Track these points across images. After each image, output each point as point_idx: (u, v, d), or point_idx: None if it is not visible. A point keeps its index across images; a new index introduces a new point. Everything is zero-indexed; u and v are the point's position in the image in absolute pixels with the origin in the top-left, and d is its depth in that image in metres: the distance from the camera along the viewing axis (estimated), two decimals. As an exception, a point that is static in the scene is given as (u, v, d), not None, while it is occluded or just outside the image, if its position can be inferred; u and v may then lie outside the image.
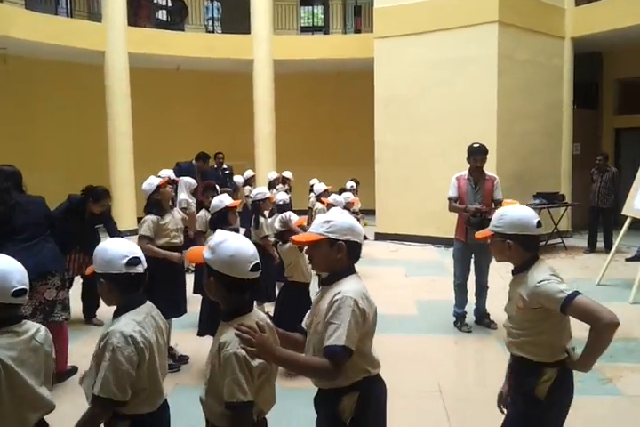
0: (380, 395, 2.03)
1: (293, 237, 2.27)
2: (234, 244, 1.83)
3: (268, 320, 1.96)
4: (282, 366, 1.86)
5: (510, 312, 2.30)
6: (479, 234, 2.36)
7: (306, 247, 2.11)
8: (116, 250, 2.02)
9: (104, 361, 1.91)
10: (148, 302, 2.12)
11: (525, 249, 2.23)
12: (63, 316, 4.04)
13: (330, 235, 1.98)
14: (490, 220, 5.05)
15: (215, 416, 1.83)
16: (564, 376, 2.19)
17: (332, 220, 2.02)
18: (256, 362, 1.75)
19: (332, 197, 6.85)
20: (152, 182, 4.43)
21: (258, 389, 1.78)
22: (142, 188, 4.50)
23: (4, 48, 10.26)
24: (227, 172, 9.79)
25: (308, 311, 2.12)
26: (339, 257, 1.99)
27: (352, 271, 2.04)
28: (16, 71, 11.27)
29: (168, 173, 4.79)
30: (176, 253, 4.34)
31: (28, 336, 2.00)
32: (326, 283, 2.03)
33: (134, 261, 2.02)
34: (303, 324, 2.11)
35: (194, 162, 8.54)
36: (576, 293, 2.06)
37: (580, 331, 2.36)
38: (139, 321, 1.99)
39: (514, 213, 2.26)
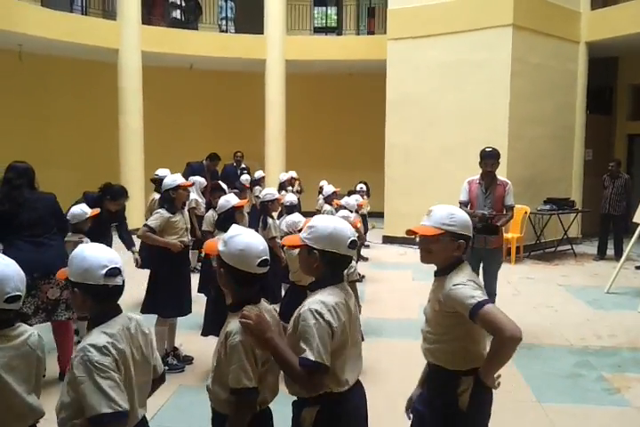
0: (345, 414, 1.93)
1: (283, 240, 2.27)
2: (245, 238, 1.90)
3: (274, 313, 2.02)
4: (270, 351, 1.83)
5: (427, 315, 2.21)
6: (420, 230, 2.14)
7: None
8: (96, 258, 1.83)
9: (82, 383, 1.72)
10: (126, 314, 1.95)
11: (460, 251, 2.14)
12: (66, 315, 4.03)
13: (307, 241, 1.94)
14: (497, 226, 5.00)
15: (220, 403, 1.90)
16: (482, 384, 2.07)
17: (315, 225, 1.96)
18: (259, 351, 1.84)
19: (344, 200, 6.84)
20: (175, 180, 4.43)
21: (261, 377, 1.86)
22: (164, 181, 4.52)
23: (19, 45, 10.35)
24: (245, 172, 9.88)
25: None
26: (315, 266, 1.95)
27: (335, 281, 1.98)
28: (31, 68, 11.35)
29: (176, 176, 4.73)
30: (175, 241, 4.31)
31: (20, 341, 1.91)
32: (310, 289, 2.01)
33: (114, 272, 1.84)
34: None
35: (204, 162, 8.61)
36: (487, 301, 1.97)
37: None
38: (111, 333, 1.83)
39: (463, 213, 2.16)
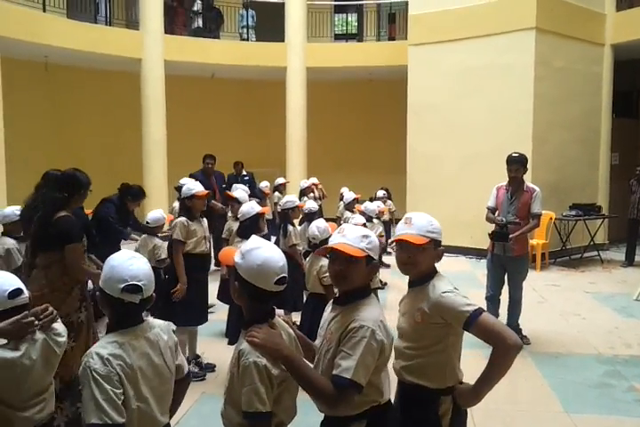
0: (390, 421, 1.92)
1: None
2: (264, 253, 1.77)
3: (290, 331, 1.91)
4: (289, 370, 1.73)
5: (403, 329, 2.08)
6: (410, 238, 2.01)
7: None
8: (120, 271, 1.81)
9: (82, 388, 1.73)
10: (147, 322, 1.92)
11: (439, 259, 2.08)
12: None
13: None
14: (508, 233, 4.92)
15: (234, 426, 1.79)
16: (460, 404, 1.99)
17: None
18: (276, 371, 1.71)
19: (364, 205, 6.80)
20: (191, 189, 4.41)
21: (277, 398, 1.73)
22: (182, 189, 4.54)
23: (45, 56, 10.56)
24: (246, 178, 9.86)
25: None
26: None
27: (367, 293, 1.91)
28: (56, 79, 11.56)
29: (193, 185, 4.75)
30: (183, 281, 4.25)
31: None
32: (338, 303, 1.93)
33: (132, 289, 1.79)
34: (316, 342, 2.01)
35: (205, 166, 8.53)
36: (482, 309, 1.90)
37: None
38: (121, 342, 1.80)
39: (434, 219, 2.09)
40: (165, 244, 4.98)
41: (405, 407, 2.06)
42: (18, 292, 2.10)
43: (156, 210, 5.39)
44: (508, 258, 5.06)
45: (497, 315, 5.23)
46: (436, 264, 2.11)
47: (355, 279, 1.87)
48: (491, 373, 1.90)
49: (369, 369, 1.75)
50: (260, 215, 4.54)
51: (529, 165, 5.28)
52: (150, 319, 1.95)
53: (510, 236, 4.98)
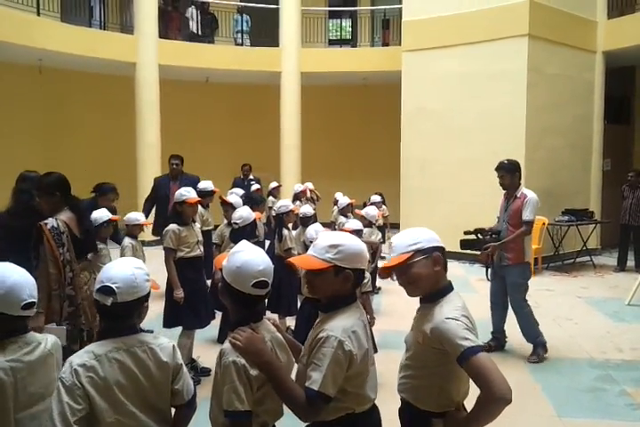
0: None
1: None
2: (245, 256, 1.80)
3: (278, 335, 1.92)
4: (266, 375, 1.74)
5: (409, 344, 2.00)
6: (392, 261, 1.93)
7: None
8: (104, 272, 1.83)
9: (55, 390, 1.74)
10: (138, 336, 1.87)
11: (445, 271, 1.95)
12: None
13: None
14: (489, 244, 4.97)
15: (218, 426, 1.81)
16: None
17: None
18: (255, 372, 1.73)
19: (365, 210, 6.81)
20: (184, 195, 4.42)
21: (260, 399, 1.76)
22: (175, 194, 4.54)
23: (39, 60, 10.54)
24: (252, 182, 9.89)
25: None
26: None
27: (349, 301, 1.89)
28: (50, 82, 11.53)
29: (185, 191, 4.82)
30: (177, 286, 4.28)
31: (34, 347, 1.97)
32: (322, 310, 1.91)
33: (104, 290, 1.77)
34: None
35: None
36: (480, 348, 1.75)
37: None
38: (97, 354, 1.76)
39: (425, 229, 1.99)
40: (131, 244, 5.26)
41: (402, 423, 2.03)
42: (31, 305, 2.00)
43: (134, 212, 5.52)
44: (503, 267, 5.05)
45: (501, 322, 5.18)
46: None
47: (324, 289, 1.87)
48: (471, 420, 1.79)
49: (337, 380, 1.75)
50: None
51: (522, 171, 5.30)
52: (149, 336, 1.91)
53: (487, 246, 5.00)
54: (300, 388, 1.76)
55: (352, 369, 1.77)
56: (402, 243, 1.92)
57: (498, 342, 5.17)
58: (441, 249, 1.94)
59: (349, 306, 1.88)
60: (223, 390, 1.72)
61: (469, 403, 1.85)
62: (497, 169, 5.13)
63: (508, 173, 5.08)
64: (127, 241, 5.27)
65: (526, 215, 4.97)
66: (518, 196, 5.07)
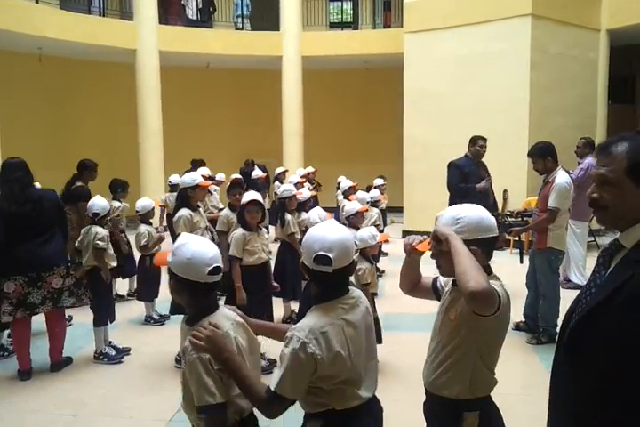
0: None
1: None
2: (192, 246, 1.80)
3: (238, 318, 1.90)
4: (227, 371, 1.73)
5: (438, 328, 1.96)
6: (421, 247, 1.89)
7: None
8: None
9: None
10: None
11: (487, 255, 1.86)
12: (70, 301, 4.20)
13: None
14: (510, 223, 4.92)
15: (194, 421, 1.83)
16: (490, 418, 1.88)
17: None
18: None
19: (357, 194, 6.81)
20: (195, 179, 4.43)
21: (231, 385, 1.75)
22: (182, 178, 4.54)
23: (39, 48, 10.49)
24: (259, 169, 10.00)
25: None
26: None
27: (336, 295, 1.84)
28: (50, 70, 11.49)
29: (196, 175, 4.79)
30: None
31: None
32: (314, 302, 1.88)
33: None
34: None
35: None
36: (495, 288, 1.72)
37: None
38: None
39: (471, 212, 1.86)
40: (147, 231, 5.19)
41: (429, 418, 1.99)
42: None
43: (144, 198, 5.54)
44: (533, 251, 5.07)
45: (535, 304, 5.10)
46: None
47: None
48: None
49: (298, 381, 1.72)
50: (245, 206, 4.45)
51: (525, 152, 5.24)
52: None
53: (515, 228, 5.17)
54: (262, 384, 1.75)
55: (321, 371, 1.72)
56: (468, 223, 1.83)
57: (527, 325, 5.13)
58: (481, 241, 1.85)
59: (332, 302, 1.82)
60: (192, 388, 1.73)
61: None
62: (528, 155, 5.04)
63: (540, 158, 4.92)
64: (143, 228, 5.25)
65: (551, 202, 4.76)
66: (550, 180, 4.88)
